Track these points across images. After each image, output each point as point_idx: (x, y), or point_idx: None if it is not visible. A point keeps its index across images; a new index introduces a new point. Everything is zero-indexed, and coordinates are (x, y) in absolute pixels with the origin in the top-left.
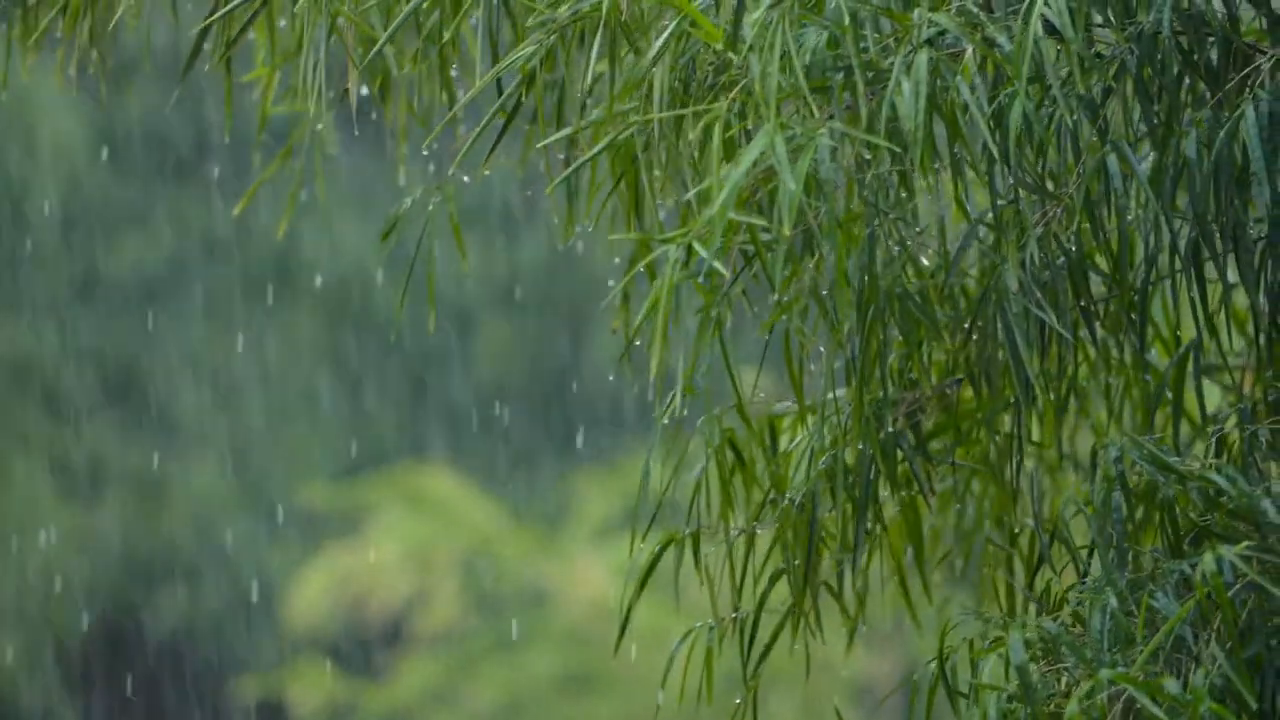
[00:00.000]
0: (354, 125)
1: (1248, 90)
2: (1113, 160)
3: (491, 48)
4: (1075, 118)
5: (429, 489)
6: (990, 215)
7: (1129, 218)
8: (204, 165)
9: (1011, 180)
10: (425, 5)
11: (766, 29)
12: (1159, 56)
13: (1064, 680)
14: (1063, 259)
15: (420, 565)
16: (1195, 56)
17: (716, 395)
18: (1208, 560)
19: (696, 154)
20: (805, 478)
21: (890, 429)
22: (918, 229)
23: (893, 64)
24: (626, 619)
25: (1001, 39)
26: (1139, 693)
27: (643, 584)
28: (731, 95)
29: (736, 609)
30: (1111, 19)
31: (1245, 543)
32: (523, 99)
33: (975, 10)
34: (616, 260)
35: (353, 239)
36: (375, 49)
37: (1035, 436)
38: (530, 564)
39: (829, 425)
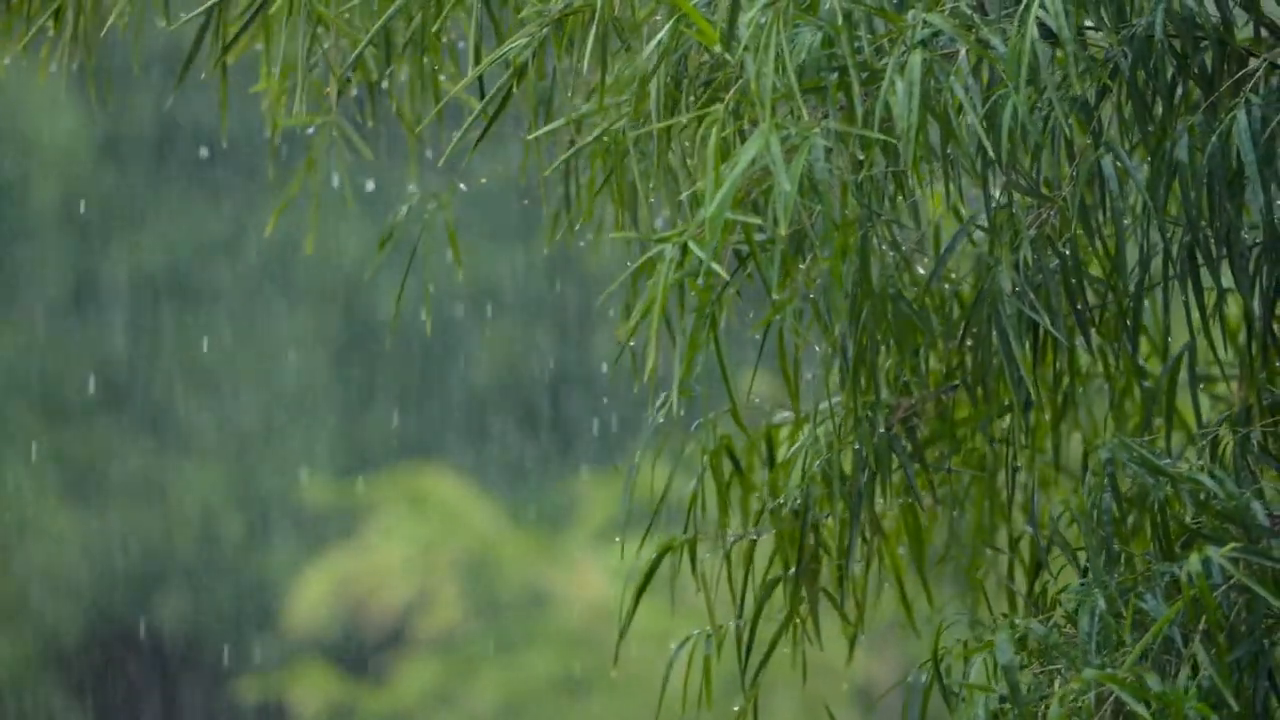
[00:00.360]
0: (347, 126)
1: (1241, 94)
2: (1107, 163)
3: (474, 53)
4: (1069, 120)
5: (430, 491)
6: (984, 217)
7: (1125, 222)
8: (204, 166)
9: (1005, 180)
10: (408, 9)
11: (761, 29)
12: (1152, 61)
13: (1057, 682)
14: (1057, 262)
15: (421, 567)
16: (1189, 60)
17: (713, 397)
18: (1193, 562)
19: (691, 154)
20: (799, 479)
21: (884, 430)
22: (911, 229)
23: (887, 64)
24: (625, 629)
25: (995, 40)
26: (1123, 692)
27: (640, 592)
28: (728, 97)
29: (738, 616)
30: (1105, 21)
31: (1232, 544)
32: (513, 89)
33: (969, 12)
34: (627, 263)
35: (353, 239)
36: (356, 53)
37: (1032, 442)
38: (531, 566)
39: (823, 430)
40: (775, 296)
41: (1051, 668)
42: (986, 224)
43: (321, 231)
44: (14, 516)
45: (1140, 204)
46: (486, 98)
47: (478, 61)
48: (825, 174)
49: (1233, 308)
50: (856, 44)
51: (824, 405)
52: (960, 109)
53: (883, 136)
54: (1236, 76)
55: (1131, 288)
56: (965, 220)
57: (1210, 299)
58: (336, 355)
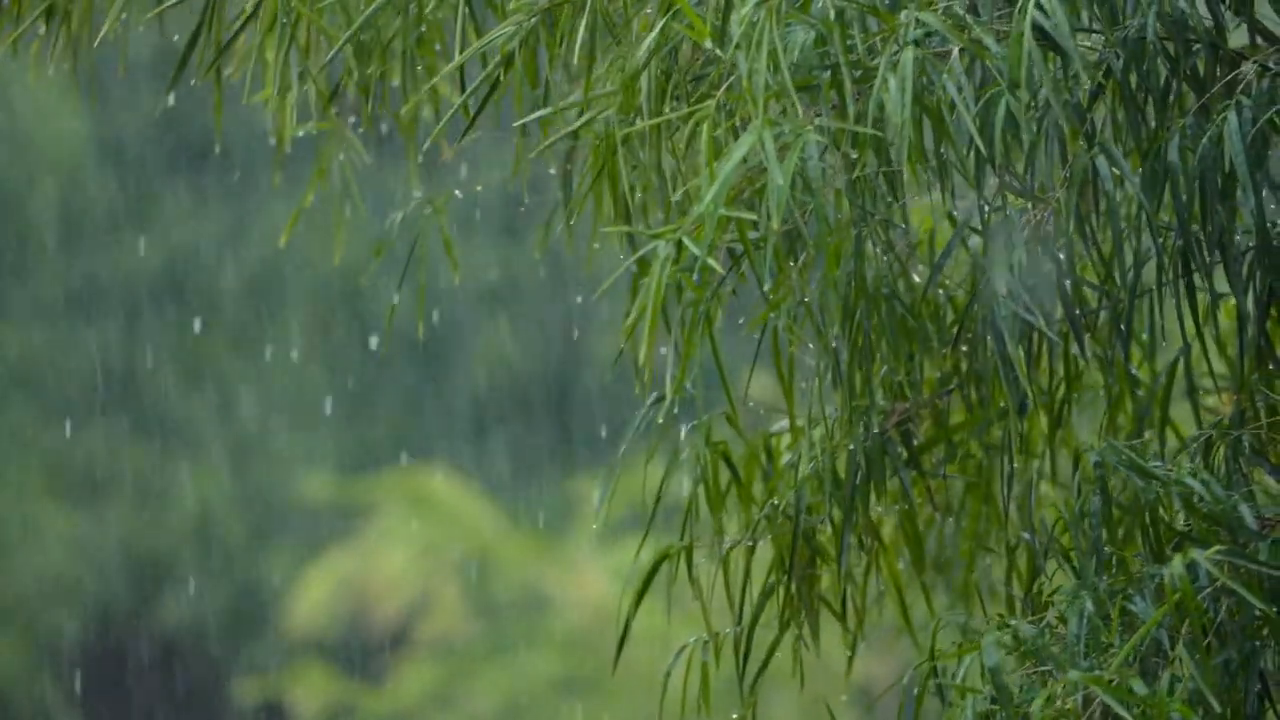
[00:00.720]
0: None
1: (1233, 97)
2: (1101, 163)
3: (460, 44)
4: (1061, 122)
5: (430, 492)
6: (977, 220)
7: (1120, 224)
8: (205, 167)
9: (999, 181)
10: (393, 9)
11: (754, 27)
12: (1144, 64)
13: (1049, 683)
14: (1051, 266)
15: (421, 569)
16: (1181, 63)
17: (710, 400)
18: (1176, 565)
19: (683, 154)
20: (793, 482)
21: (877, 431)
22: (905, 230)
23: (879, 63)
24: (623, 639)
25: (989, 40)
26: (1106, 695)
27: (638, 600)
28: (719, 93)
29: (738, 623)
30: (1098, 23)
31: (1217, 548)
32: (502, 78)
33: (962, 13)
34: (620, 257)
35: (352, 240)
36: (334, 51)
37: (1028, 447)
38: (531, 567)
39: (818, 433)
40: (767, 290)
41: (1042, 669)
42: (980, 227)
43: (321, 232)
44: (14, 517)
45: (1134, 208)
46: (471, 87)
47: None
48: (818, 171)
49: (1224, 317)
50: (849, 43)
51: (818, 408)
52: (953, 108)
53: (875, 132)
54: (1227, 78)
55: (1125, 293)
56: (959, 225)
57: (1204, 303)
58: (337, 356)
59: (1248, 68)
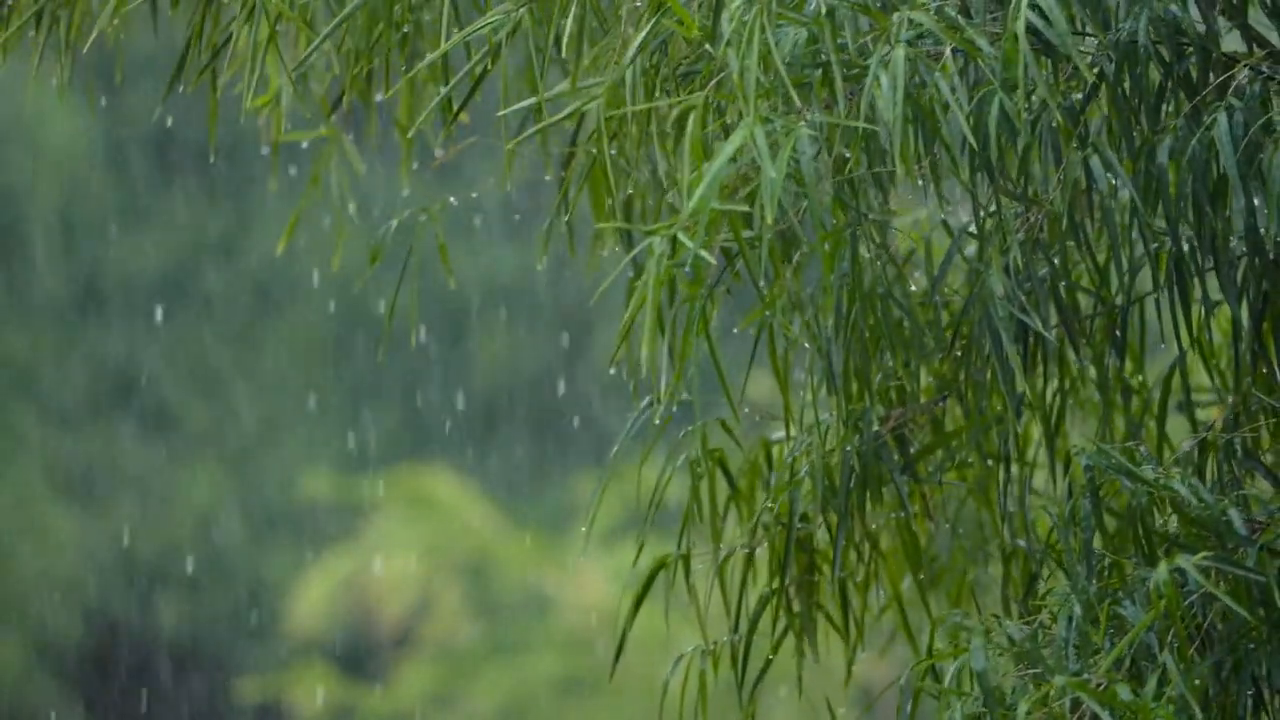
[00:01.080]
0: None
1: (1224, 100)
2: (1095, 164)
3: (446, 30)
4: (1055, 123)
5: (431, 493)
6: (972, 225)
7: (1116, 230)
8: (205, 168)
9: (991, 184)
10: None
11: (744, 23)
12: (1137, 67)
13: (1040, 686)
14: (1046, 270)
15: (422, 569)
16: (1174, 67)
17: (706, 401)
18: (1161, 571)
19: (671, 145)
20: (786, 485)
21: (872, 432)
22: (898, 231)
23: (871, 62)
24: (620, 648)
25: (981, 41)
26: (1091, 700)
27: (635, 609)
28: (709, 86)
29: (734, 631)
30: (1089, 26)
31: (1204, 553)
32: (489, 69)
33: (954, 14)
34: (614, 248)
35: (355, 240)
36: (311, 48)
37: (1022, 455)
38: (531, 569)
39: (814, 437)
40: (761, 286)
41: (1033, 671)
42: (975, 230)
43: (322, 232)
44: (15, 518)
45: (1126, 215)
46: (456, 78)
47: (458, 68)
48: (812, 167)
49: (1216, 329)
50: (840, 41)
51: (813, 411)
52: (946, 108)
53: (868, 125)
54: (1218, 81)
55: (1119, 299)
56: (957, 234)
57: (1198, 310)
58: (337, 357)
59: (1240, 71)
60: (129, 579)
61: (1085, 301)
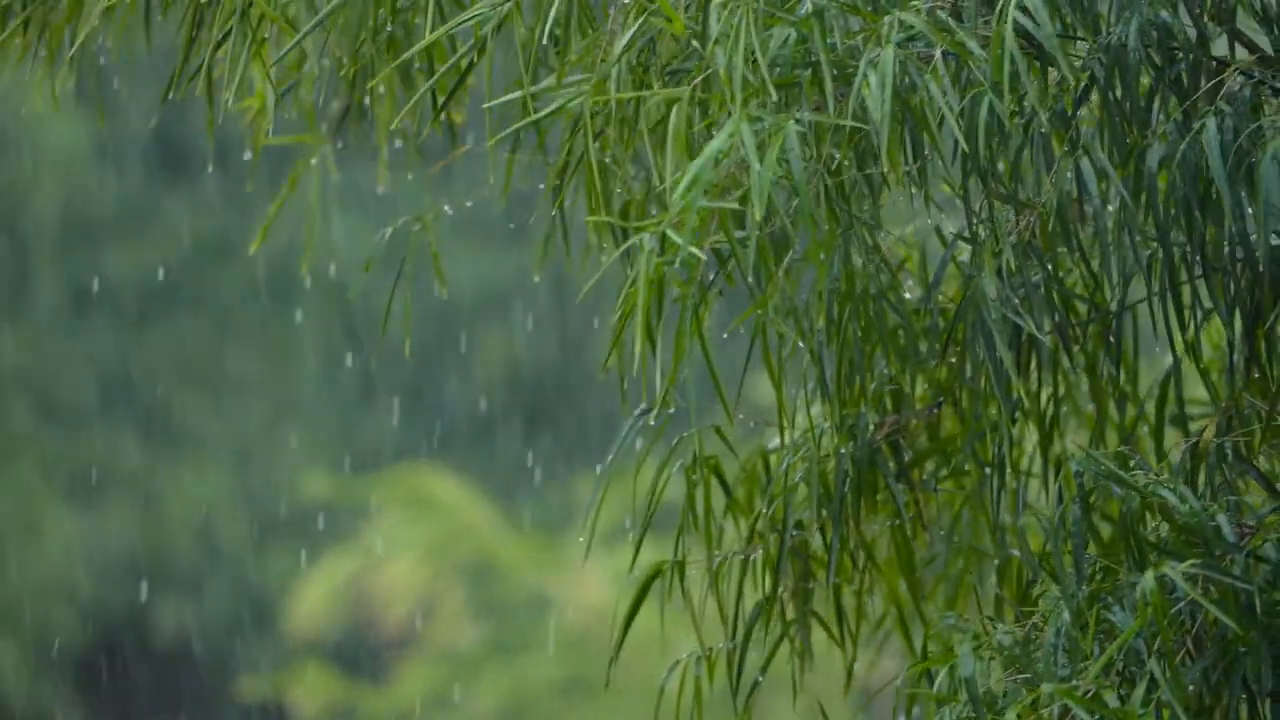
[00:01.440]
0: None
1: (1214, 105)
2: (1085, 166)
3: (431, 24)
4: (1044, 127)
5: (431, 494)
6: (965, 230)
7: (1105, 231)
8: (204, 169)
9: (979, 180)
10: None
11: (732, 20)
12: (1127, 72)
13: (1031, 690)
14: (1039, 275)
15: (422, 570)
16: (1165, 72)
17: (704, 404)
18: (1148, 579)
19: (658, 140)
20: (780, 490)
21: (867, 438)
22: (890, 234)
23: (861, 62)
24: (615, 655)
25: (972, 43)
26: (1078, 708)
27: (629, 618)
28: (695, 80)
29: (730, 637)
30: (1080, 30)
31: (1191, 561)
32: (475, 62)
33: (945, 17)
34: (601, 252)
35: (349, 240)
36: (291, 45)
37: (1016, 462)
38: (532, 570)
39: (809, 441)
40: (750, 282)
41: (1024, 676)
42: (967, 233)
43: (323, 233)
44: (15, 518)
45: (1115, 223)
46: (441, 71)
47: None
48: (801, 165)
49: (1207, 341)
50: (829, 41)
51: (808, 417)
52: (937, 112)
53: (857, 124)
54: (1209, 86)
55: (1114, 305)
56: (951, 240)
57: (1190, 317)
58: (337, 357)
59: (1230, 75)
60: (129, 579)
61: (1082, 308)
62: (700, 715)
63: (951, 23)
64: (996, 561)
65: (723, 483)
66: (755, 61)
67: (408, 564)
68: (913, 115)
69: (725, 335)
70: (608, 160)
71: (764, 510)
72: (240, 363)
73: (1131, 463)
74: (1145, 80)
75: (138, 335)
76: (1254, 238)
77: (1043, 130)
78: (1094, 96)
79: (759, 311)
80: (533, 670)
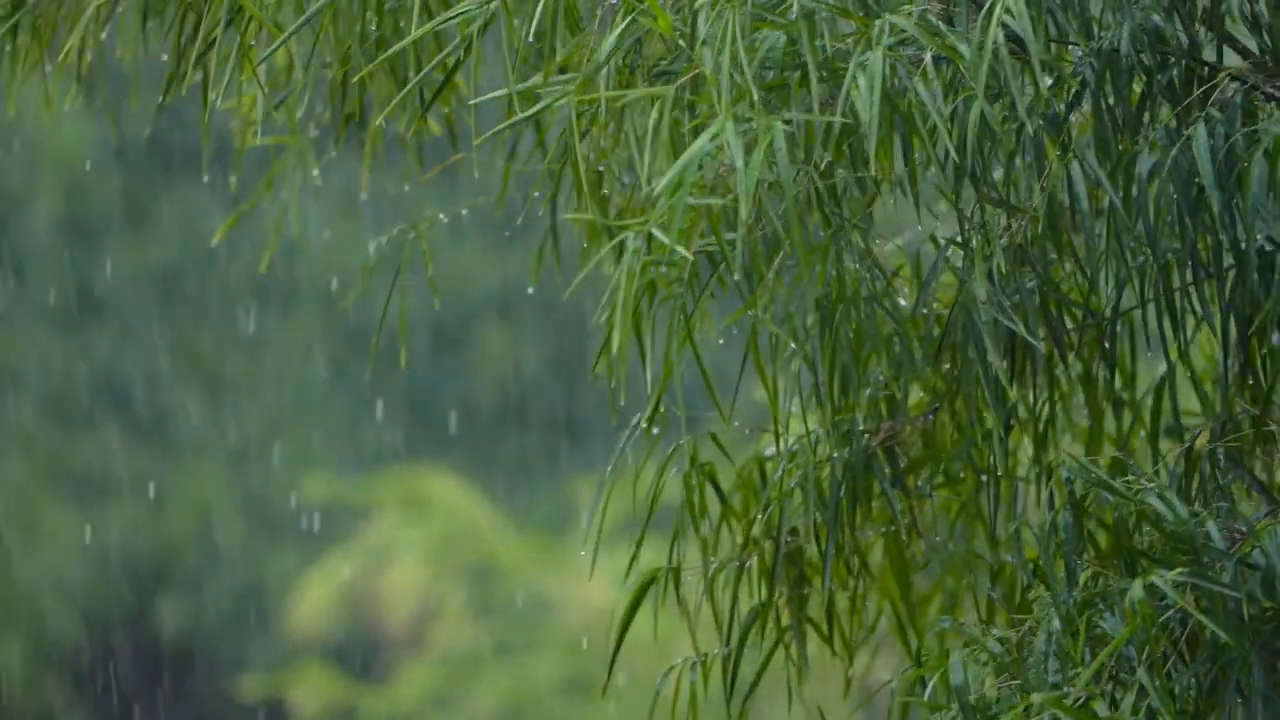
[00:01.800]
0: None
1: (1204, 110)
2: (1075, 170)
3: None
4: (1030, 130)
5: (432, 495)
6: (957, 234)
7: (1098, 235)
8: (200, 171)
9: (976, 191)
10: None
11: (720, 20)
12: (1118, 77)
13: (1023, 697)
14: (1034, 281)
15: (423, 571)
16: (1158, 76)
17: (701, 408)
18: (1136, 588)
19: (645, 140)
20: (778, 494)
21: (861, 444)
22: (881, 238)
23: (850, 65)
24: (612, 664)
25: (963, 47)
26: (1067, 717)
27: (624, 627)
28: (681, 80)
29: (724, 644)
30: (1072, 35)
31: (1179, 570)
32: (461, 60)
33: (935, 20)
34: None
35: (348, 239)
36: (274, 47)
37: (1015, 469)
38: (533, 570)
39: (804, 447)
40: (738, 280)
41: (1016, 682)
42: (959, 237)
43: (322, 232)
44: (15, 518)
45: (1109, 228)
46: (427, 69)
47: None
48: (788, 165)
49: (1199, 353)
50: (818, 43)
51: (804, 423)
52: (927, 116)
53: (845, 119)
54: (1200, 91)
55: (1108, 312)
56: (944, 244)
57: (1182, 325)
58: (338, 358)
59: (1222, 80)
60: (130, 579)
61: (1078, 314)
62: (696, 719)
63: (943, 27)
64: (992, 565)
65: (718, 489)
66: (742, 63)
67: (408, 565)
68: (902, 118)
69: (721, 341)
70: (592, 157)
71: (760, 516)
72: (242, 363)
73: (1128, 469)
74: (1138, 86)
75: (140, 334)
76: (1244, 245)
77: (1033, 135)
78: (1088, 98)
79: (750, 313)
80: (533, 670)
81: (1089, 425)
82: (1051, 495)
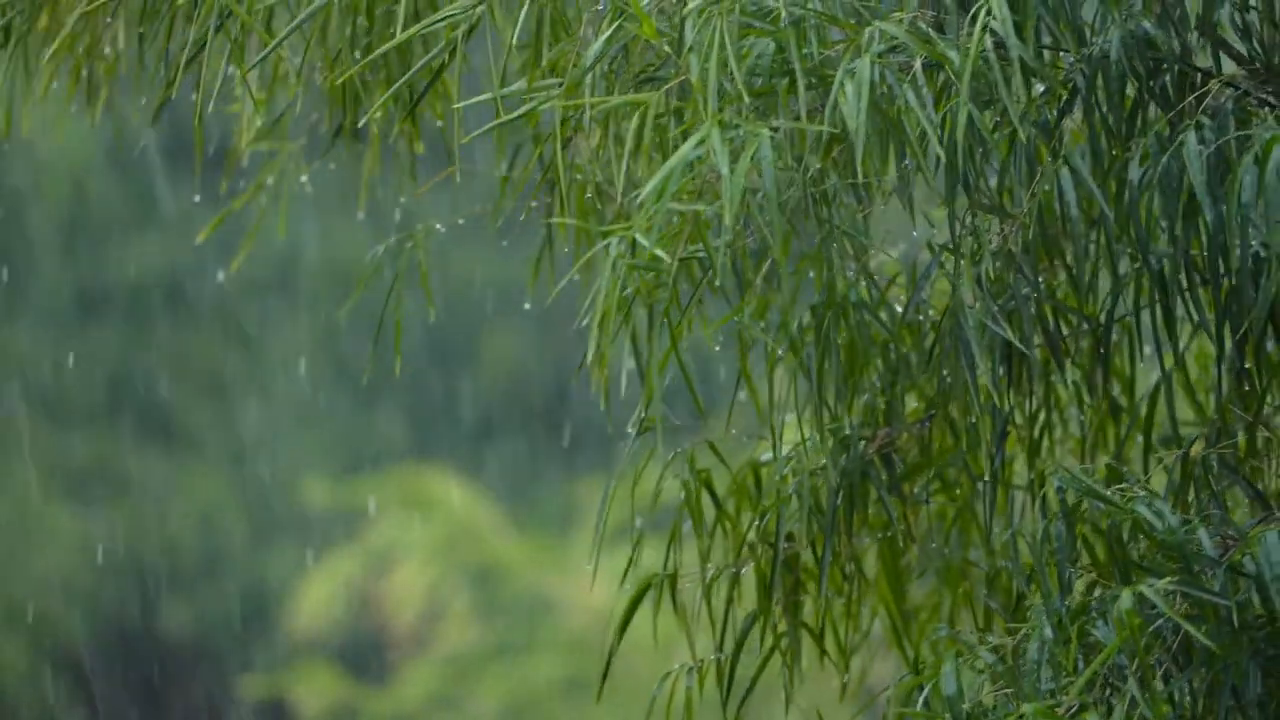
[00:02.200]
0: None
1: (1195, 116)
2: (1065, 176)
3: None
4: (1021, 135)
5: (433, 495)
6: (949, 239)
7: (1090, 243)
8: (205, 171)
9: (967, 196)
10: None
11: (707, 29)
12: (1110, 83)
13: (1018, 704)
14: (1028, 288)
15: (425, 571)
16: (1150, 83)
17: (691, 411)
18: (1125, 598)
19: (631, 146)
20: (774, 499)
21: (857, 451)
22: (870, 244)
23: (838, 72)
24: (606, 670)
25: (952, 53)
26: None
27: (623, 628)
28: (666, 86)
29: (719, 649)
30: (1063, 40)
31: (1168, 579)
32: (447, 62)
33: (925, 28)
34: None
35: (348, 239)
36: (267, 51)
37: (1010, 476)
38: (534, 571)
39: (799, 454)
40: (720, 284)
41: (1009, 690)
42: (950, 242)
43: (324, 232)
44: (15, 518)
45: (1101, 237)
46: (413, 70)
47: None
48: (773, 173)
49: (1193, 361)
50: (805, 51)
51: (799, 430)
52: (916, 122)
53: (831, 129)
54: (1193, 97)
55: (1102, 318)
56: (937, 251)
57: (1173, 332)
58: (339, 359)
59: (1214, 86)
60: (132, 579)
61: (1070, 322)
62: None
63: (933, 34)
64: (987, 573)
65: (714, 497)
66: (730, 70)
67: (411, 565)
68: (891, 125)
69: (717, 348)
70: (586, 165)
71: (756, 523)
72: (243, 363)
73: (1122, 476)
74: (1131, 92)
75: (141, 334)
76: (1235, 253)
77: (1024, 141)
78: (1079, 104)
79: (735, 319)
80: (535, 671)
81: (1084, 432)
82: (1045, 503)
